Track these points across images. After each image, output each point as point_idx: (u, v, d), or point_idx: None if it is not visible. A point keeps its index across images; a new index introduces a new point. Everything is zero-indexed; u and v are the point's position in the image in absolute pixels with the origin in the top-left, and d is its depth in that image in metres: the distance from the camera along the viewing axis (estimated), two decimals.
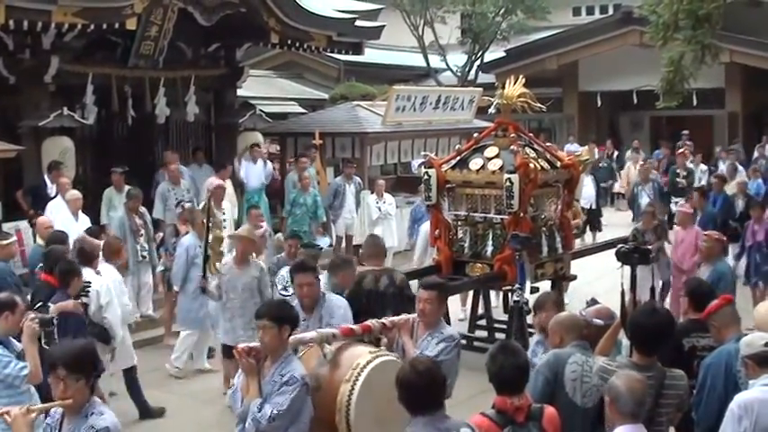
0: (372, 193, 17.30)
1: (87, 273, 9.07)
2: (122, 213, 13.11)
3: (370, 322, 6.57)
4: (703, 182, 20.17)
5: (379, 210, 16.74)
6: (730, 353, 6.02)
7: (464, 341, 10.90)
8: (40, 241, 10.56)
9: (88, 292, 8.93)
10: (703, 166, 21.86)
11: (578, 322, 6.36)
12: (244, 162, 17.29)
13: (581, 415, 5.77)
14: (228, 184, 15.52)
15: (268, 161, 18.28)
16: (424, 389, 4.75)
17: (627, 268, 7.87)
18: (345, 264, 8.77)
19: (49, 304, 8.16)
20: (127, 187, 14.07)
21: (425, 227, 13.22)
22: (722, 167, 20.89)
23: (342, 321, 6.99)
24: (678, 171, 19.58)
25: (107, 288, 9.32)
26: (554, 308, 6.82)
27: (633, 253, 7.30)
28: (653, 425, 5.40)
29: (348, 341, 6.32)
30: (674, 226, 13.36)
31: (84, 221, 12.53)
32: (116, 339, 9.32)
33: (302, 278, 7.28)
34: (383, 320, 6.66)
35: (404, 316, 6.83)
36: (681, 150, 21.44)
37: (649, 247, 10.52)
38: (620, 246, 7.97)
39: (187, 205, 13.60)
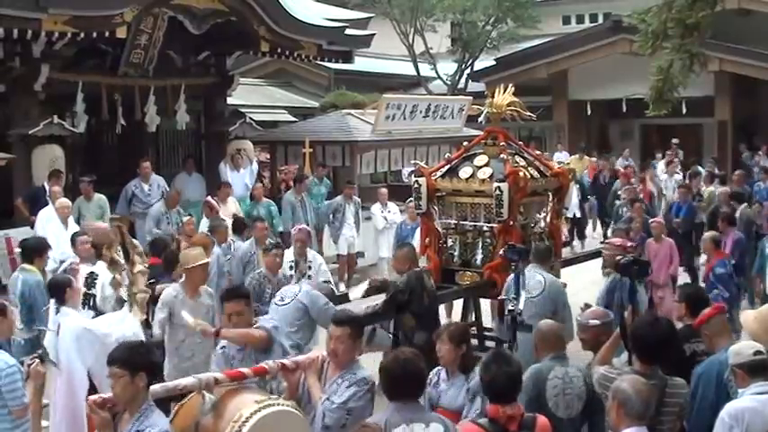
0: (375, 202, 17.02)
1: (98, 266, 9.55)
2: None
3: (266, 363, 5.75)
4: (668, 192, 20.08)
5: (385, 219, 16.26)
6: (722, 362, 6.00)
7: None
8: None
9: (95, 283, 9.40)
10: (678, 176, 21.20)
11: (555, 333, 6.47)
12: (228, 170, 17.25)
13: (565, 426, 5.82)
14: (232, 201, 15.29)
15: (254, 162, 18.21)
16: (400, 377, 5.19)
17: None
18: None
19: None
20: (96, 196, 14.07)
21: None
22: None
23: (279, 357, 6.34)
24: (619, 193, 17.33)
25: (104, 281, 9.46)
26: (449, 340, 6.34)
27: (633, 265, 7.30)
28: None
29: (239, 386, 5.50)
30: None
31: (74, 229, 12.48)
32: None
33: (230, 307, 6.61)
34: (283, 361, 5.87)
35: (311, 354, 6.11)
36: (624, 170, 20.18)
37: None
38: (618, 257, 7.97)
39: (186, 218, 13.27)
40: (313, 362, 5.90)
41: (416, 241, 12.14)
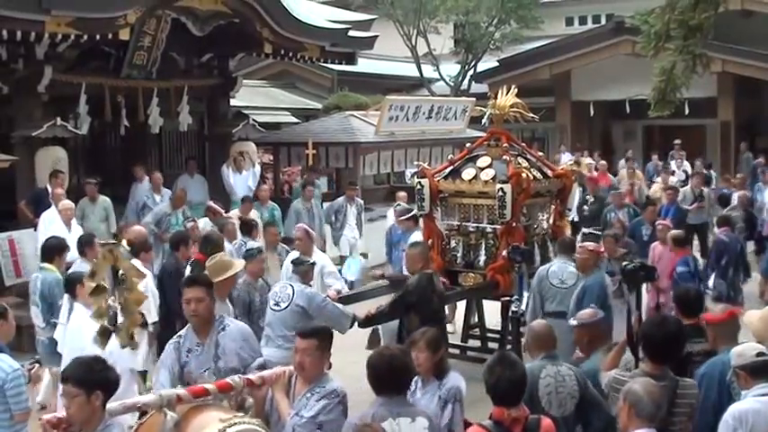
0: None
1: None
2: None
3: (231, 379, 5.45)
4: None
5: None
6: (724, 362, 5.99)
7: (457, 351, 10.99)
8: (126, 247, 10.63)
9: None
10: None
11: (547, 333, 6.54)
12: (230, 173, 17.23)
13: (559, 425, 5.84)
14: (254, 214, 14.64)
15: (257, 165, 18.18)
16: (385, 372, 5.36)
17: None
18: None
19: None
20: (101, 198, 14.09)
21: None
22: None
23: (235, 358, 6.13)
24: (588, 197, 16.99)
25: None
26: (426, 348, 6.22)
27: (639, 270, 7.30)
28: None
29: (204, 402, 5.23)
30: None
31: (77, 231, 12.50)
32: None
33: (190, 292, 6.24)
34: (249, 376, 5.58)
35: (277, 369, 5.74)
36: (590, 174, 19.78)
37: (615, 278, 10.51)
38: (624, 264, 7.98)
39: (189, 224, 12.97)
40: (280, 376, 5.65)
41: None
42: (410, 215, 12.58)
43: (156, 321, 9.83)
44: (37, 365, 6.71)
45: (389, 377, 5.37)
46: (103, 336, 6.63)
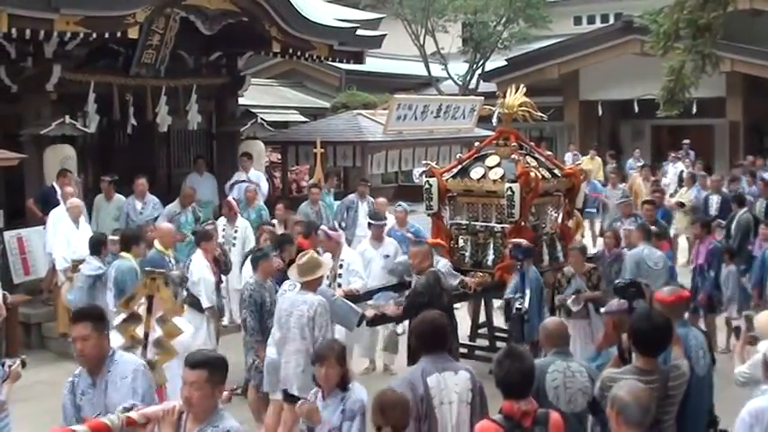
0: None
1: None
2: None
3: (107, 418, 4.89)
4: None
5: None
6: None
7: (465, 350, 10.97)
8: (158, 246, 10.70)
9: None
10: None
11: (559, 329, 6.60)
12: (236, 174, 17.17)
13: (570, 421, 5.86)
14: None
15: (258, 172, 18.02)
16: (429, 333, 6.00)
17: None
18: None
19: None
20: (116, 196, 14.08)
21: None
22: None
23: (128, 395, 5.35)
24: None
25: (198, 267, 10.66)
26: (337, 362, 6.10)
27: (630, 287, 7.32)
28: (660, 424, 5.57)
29: None
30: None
31: (85, 229, 12.53)
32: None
33: (75, 330, 5.50)
34: (130, 414, 4.94)
35: (166, 404, 5.13)
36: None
37: (580, 296, 10.52)
38: (617, 282, 8.00)
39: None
40: (168, 413, 4.99)
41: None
42: (381, 223, 12.37)
43: (211, 307, 10.66)
44: (19, 362, 6.79)
45: (433, 337, 5.98)
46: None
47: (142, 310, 6.48)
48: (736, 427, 5.48)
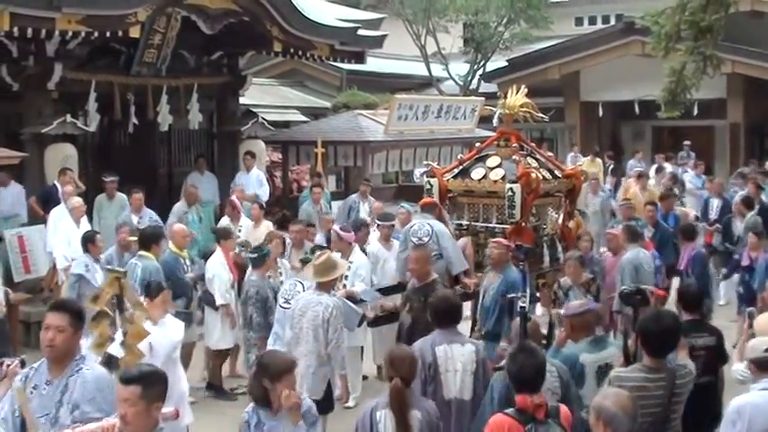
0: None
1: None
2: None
3: None
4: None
5: None
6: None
7: None
8: (173, 248, 10.75)
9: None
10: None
11: (531, 328, 7.22)
12: (239, 173, 17.18)
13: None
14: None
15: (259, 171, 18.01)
16: (442, 309, 6.98)
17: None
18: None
19: None
20: (119, 195, 14.07)
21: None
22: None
23: (93, 408, 4.98)
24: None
25: (213, 264, 10.82)
26: (288, 376, 5.76)
27: (635, 294, 7.33)
28: (668, 422, 5.68)
29: None
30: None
31: (86, 228, 12.49)
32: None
33: (51, 318, 5.20)
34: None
35: (104, 423, 4.69)
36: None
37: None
38: (622, 288, 8.01)
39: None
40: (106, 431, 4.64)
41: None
42: (390, 224, 12.30)
43: (225, 305, 10.66)
44: (17, 362, 6.74)
45: (446, 312, 6.95)
46: (107, 365, 6.15)
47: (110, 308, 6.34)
48: (722, 423, 5.60)
